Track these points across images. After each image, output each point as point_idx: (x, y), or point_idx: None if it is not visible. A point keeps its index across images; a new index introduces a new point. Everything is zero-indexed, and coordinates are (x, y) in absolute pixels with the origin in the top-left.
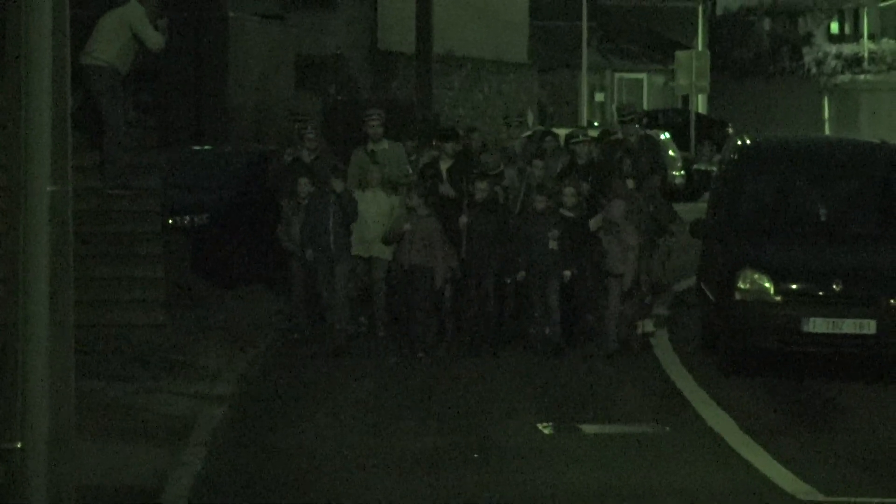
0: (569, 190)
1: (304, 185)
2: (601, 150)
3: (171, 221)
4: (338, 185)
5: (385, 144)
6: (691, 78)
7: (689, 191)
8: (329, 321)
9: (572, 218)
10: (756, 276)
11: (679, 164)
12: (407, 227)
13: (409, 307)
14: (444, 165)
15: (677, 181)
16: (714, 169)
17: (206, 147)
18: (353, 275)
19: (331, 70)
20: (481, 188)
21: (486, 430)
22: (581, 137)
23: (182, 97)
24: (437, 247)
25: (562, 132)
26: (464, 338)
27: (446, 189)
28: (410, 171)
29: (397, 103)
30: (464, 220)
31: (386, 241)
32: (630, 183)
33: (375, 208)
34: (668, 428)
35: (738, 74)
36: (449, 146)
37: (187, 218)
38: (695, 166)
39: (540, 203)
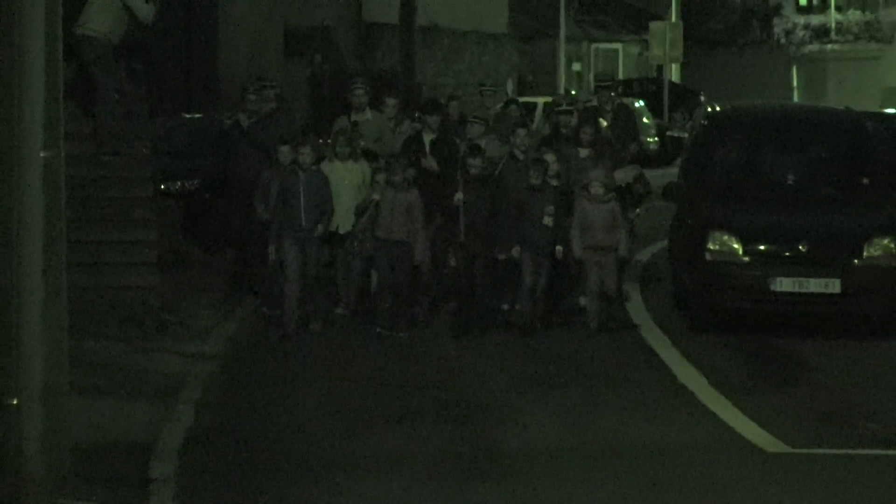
0: (550, 157)
1: (285, 154)
2: (577, 118)
3: (162, 187)
4: (283, 154)
5: (368, 115)
6: (665, 48)
7: (663, 157)
8: (286, 305)
9: (559, 188)
10: (725, 237)
11: (653, 131)
12: (375, 196)
13: (383, 283)
14: (427, 138)
15: (651, 147)
16: (686, 135)
17: (197, 115)
18: (322, 255)
19: (318, 41)
20: (475, 164)
21: (465, 391)
22: (565, 106)
23: (173, 67)
24: (417, 220)
25: (541, 101)
26: (443, 316)
27: (429, 162)
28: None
29: (382, 73)
30: (459, 196)
31: (359, 212)
32: (583, 152)
33: (348, 179)
34: (639, 384)
35: (710, 45)
36: (432, 119)
37: (178, 183)
38: (668, 133)
39: (535, 177)
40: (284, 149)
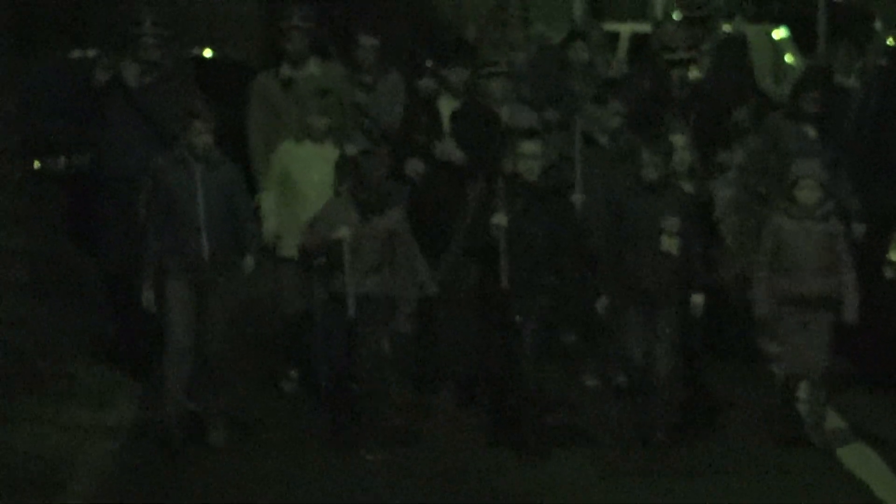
0: (678, 137)
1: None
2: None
3: (37, 164)
4: (200, 139)
5: (312, 67)
6: None
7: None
8: (169, 402)
9: (689, 194)
10: None
11: None
12: (343, 233)
13: (352, 362)
14: (445, 107)
15: None
16: (853, 84)
17: (91, 52)
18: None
19: None
20: (528, 159)
21: None
22: (679, 54)
23: None
24: (404, 262)
25: (626, 29)
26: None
27: (449, 150)
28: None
29: None
30: (501, 220)
31: (304, 252)
32: (679, 139)
33: (320, 171)
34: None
35: None
36: (455, 73)
37: (62, 159)
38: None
39: (653, 167)
40: (199, 133)
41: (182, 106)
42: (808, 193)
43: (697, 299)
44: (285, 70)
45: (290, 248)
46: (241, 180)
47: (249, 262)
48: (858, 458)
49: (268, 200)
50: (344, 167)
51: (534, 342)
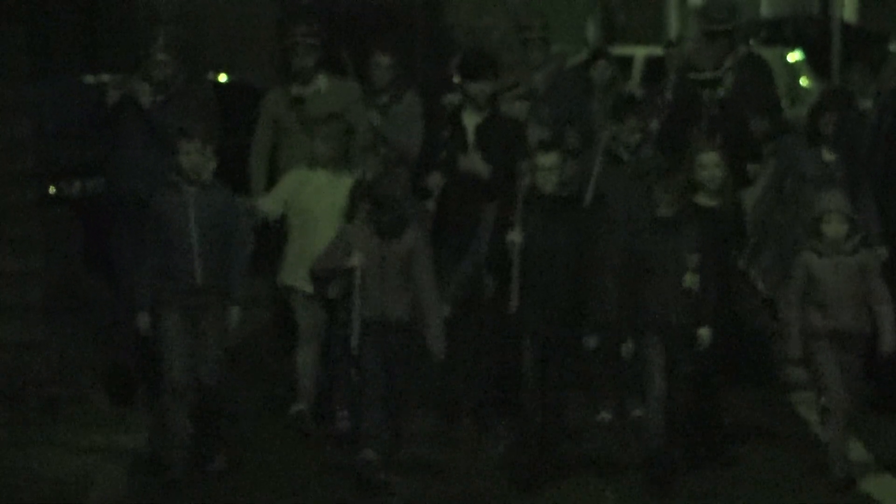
0: (710, 156)
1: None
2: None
3: (52, 189)
4: (189, 160)
5: (322, 83)
6: None
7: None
8: (170, 432)
9: (712, 210)
10: None
11: None
12: (356, 260)
13: (370, 392)
14: (470, 121)
15: None
16: (869, 106)
17: (104, 77)
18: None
19: None
20: (546, 166)
21: None
22: (707, 74)
23: (68, 7)
24: (427, 282)
25: (640, 53)
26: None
27: (475, 162)
28: (375, 125)
29: (394, 10)
30: (516, 237)
31: (316, 276)
32: (825, 154)
33: (331, 200)
34: None
35: None
36: (479, 88)
37: (77, 183)
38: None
39: (667, 205)
40: (191, 152)
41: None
42: (835, 227)
43: (704, 332)
44: (293, 87)
45: (298, 279)
46: (232, 204)
47: (235, 315)
48: (883, 490)
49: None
50: (359, 192)
51: (553, 361)
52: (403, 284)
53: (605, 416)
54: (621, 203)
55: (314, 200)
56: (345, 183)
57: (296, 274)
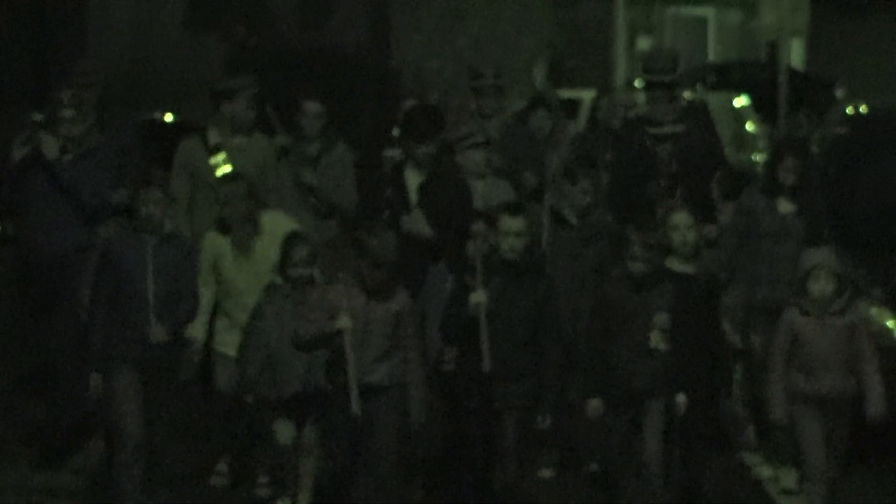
0: (681, 216)
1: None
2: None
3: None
4: (148, 209)
5: (239, 138)
6: (781, 15)
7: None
8: (124, 491)
9: (687, 276)
10: (875, 310)
11: (762, 144)
12: (344, 322)
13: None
14: (413, 179)
15: (759, 169)
16: (815, 150)
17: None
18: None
19: (239, 3)
20: (513, 231)
21: None
22: (666, 128)
23: (17, 44)
24: (414, 352)
25: (587, 97)
26: None
27: (417, 222)
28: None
29: (339, 52)
30: (481, 299)
31: (302, 346)
32: (785, 205)
33: (247, 270)
34: None
35: (852, 10)
36: (422, 151)
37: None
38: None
39: (637, 262)
40: (123, 193)
41: (112, 177)
42: (822, 285)
43: (681, 398)
44: (211, 134)
45: (223, 344)
46: (194, 256)
47: (159, 331)
48: None
49: (203, 296)
50: (339, 248)
51: (514, 428)
52: (386, 349)
53: (546, 473)
54: (567, 269)
55: (234, 270)
56: (260, 245)
57: (226, 343)
